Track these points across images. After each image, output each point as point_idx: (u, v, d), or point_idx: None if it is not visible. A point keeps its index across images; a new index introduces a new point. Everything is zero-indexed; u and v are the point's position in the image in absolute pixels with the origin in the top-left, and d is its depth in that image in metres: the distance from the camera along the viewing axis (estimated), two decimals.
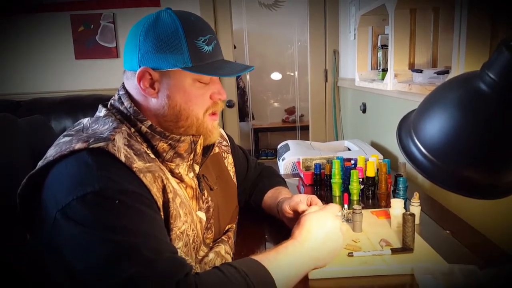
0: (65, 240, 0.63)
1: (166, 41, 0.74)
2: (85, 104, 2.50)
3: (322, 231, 0.79)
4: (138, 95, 0.79)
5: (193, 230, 0.79)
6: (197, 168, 0.87)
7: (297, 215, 0.94)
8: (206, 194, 0.88)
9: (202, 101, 0.80)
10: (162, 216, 0.71)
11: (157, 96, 0.78)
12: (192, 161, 0.84)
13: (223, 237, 0.94)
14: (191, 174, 0.84)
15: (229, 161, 1.05)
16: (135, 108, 0.78)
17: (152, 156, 0.76)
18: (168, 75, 0.76)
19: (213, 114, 0.83)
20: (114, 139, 0.69)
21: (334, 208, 0.85)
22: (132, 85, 0.79)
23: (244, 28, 3.98)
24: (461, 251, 0.88)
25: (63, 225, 0.62)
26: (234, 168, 1.07)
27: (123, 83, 0.82)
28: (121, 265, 0.59)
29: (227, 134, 1.11)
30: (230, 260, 0.90)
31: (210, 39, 0.78)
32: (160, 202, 0.71)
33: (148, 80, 0.76)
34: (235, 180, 1.06)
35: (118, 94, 0.81)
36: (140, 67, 0.75)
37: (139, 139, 0.76)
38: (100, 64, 2.89)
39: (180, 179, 0.81)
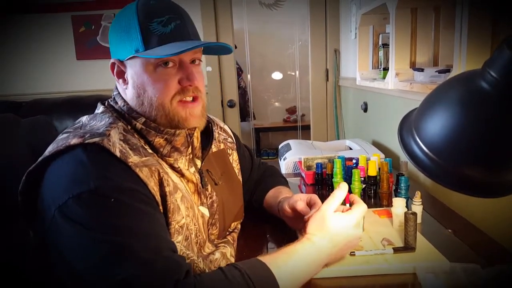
0: (63, 239, 0.63)
1: (123, 30, 0.75)
2: (87, 105, 2.49)
3: (341, 236, 0.77)
4: (123, 92, 0.80)
5: (195, 225, 0.79)
6: (199, 163, 0.87)
7: (296, 214, 0.94)
8: (210, 189, 0.88)
9: (165, 86, 0.75)
10: (161, 210, 0.71)
11: (128, 87, 0.78)
12: (191, 155, 0.84)
13: (229, 238, 0.93)
14: (192, 169, 0.84)
15: (234, 158, 1.04)
16: (128, 106, 0.79)
17: (150, 151, 0.76)
18: (130, 64, 0.77)
19: (183, 102, 0.77)
20: (109, 134, 0.70)
21: (361, 211, 0.81)
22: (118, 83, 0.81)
23: (245, 28, 3.97)
24: (463, 250, 0.88)
25: (61, 224, 0.62)
26: (239, 165, 1.06)
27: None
28: (117, 265, 0.58)
29: (232, 132, 1.10)
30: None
31: (169, 20, 0.73)
32: (158, 196, 0.70)
33: (118, 72, 0.79)
34: (240, 177, 1.05)
35: (113, 94, 0.82)
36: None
37: (136, 135, 0.76)
38: (101, 65, 2.90)
39: (181, 174, 0.81)
